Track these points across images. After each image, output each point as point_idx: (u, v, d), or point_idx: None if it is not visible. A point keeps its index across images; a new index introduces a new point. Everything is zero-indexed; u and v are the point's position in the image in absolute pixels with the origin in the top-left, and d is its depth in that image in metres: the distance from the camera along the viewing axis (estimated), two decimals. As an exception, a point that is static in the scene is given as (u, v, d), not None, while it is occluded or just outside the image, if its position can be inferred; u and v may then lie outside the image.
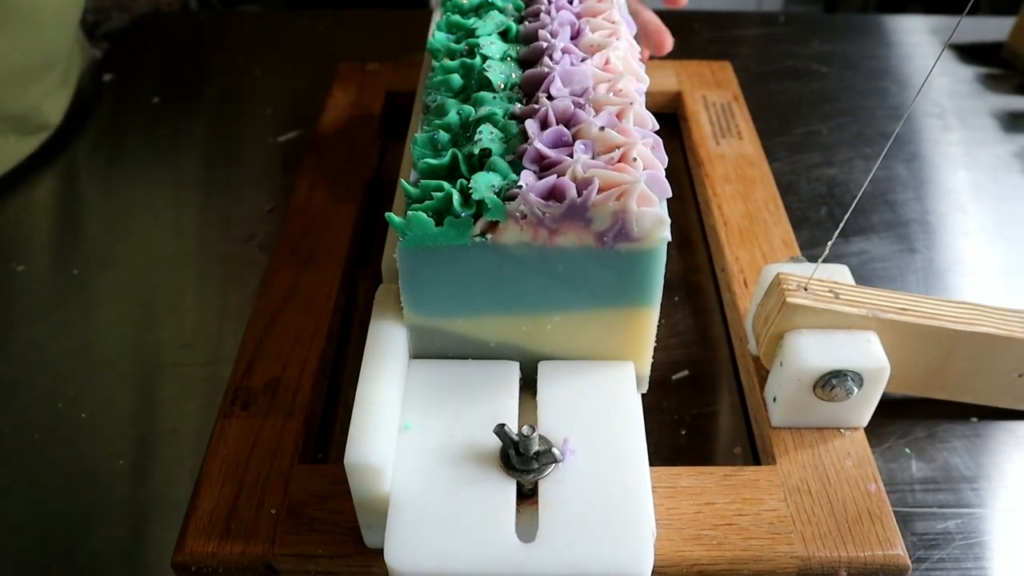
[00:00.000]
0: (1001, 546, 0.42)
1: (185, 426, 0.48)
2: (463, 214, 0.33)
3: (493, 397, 0.38)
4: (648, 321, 0.37)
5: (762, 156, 0.61)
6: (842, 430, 0.43)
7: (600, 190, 0.33)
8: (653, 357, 0.39)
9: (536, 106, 0.37)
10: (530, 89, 0.40)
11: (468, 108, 0.39)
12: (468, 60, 0.42)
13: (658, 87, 0.68)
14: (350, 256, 0.54)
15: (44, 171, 0.69)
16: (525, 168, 0.35)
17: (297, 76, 0.75)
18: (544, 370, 0.39)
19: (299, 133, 0.69)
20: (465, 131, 0.38)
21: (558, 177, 0.33)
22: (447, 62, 0.42)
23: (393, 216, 0.34)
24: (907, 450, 0.46)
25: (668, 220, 0.33)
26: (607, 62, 0.41)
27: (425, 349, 0.39)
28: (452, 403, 0.37)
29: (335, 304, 0.50)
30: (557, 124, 0.36)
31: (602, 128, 0.36)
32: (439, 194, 0.34)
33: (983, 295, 0.56)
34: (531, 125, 0.36)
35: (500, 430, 0.35)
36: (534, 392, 0.39)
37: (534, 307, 0.37)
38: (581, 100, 0.38)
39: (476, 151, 0.36)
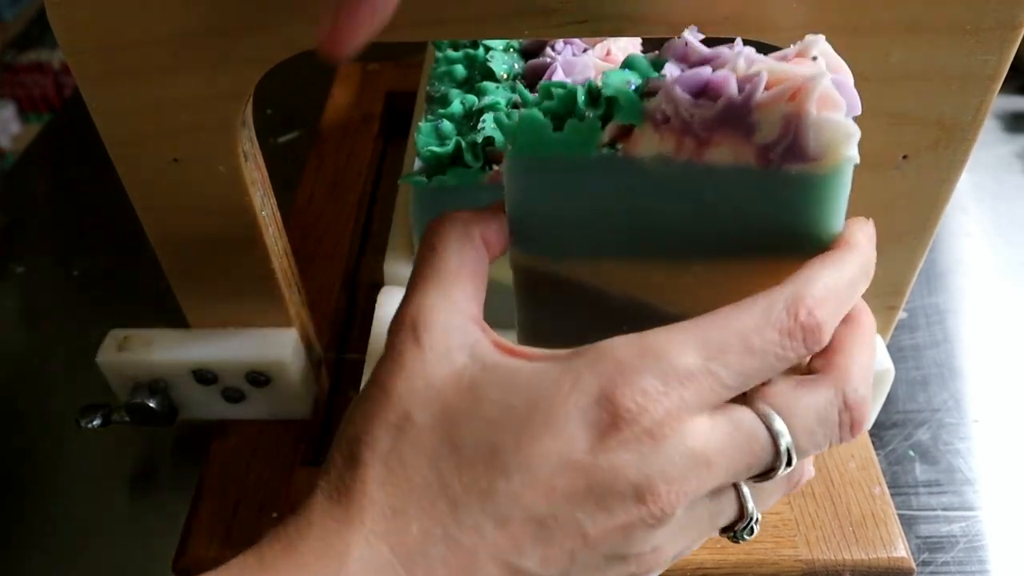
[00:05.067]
0: (1005, 549, 0.42)
1: (186, 428, 0.48)
2: (589, 114, 0.26)
3: None
4: None
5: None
6: (846, 432, 0.43)
7: (768, 87, 0.24)
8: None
9: None
10: (533, 79, 0.40)
11: (471, 98, 0.39)
12: (471, 51, 0.42)
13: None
14: (351, 258, 0.54)
15: (44, 171, 0.68)
16: (669, 62, 0.27)
17: (297, 76, 0.75)
18: None
19: (299, 133, 0.69)
20: (468, 120, 0.38)
21: (714, 70, 0.25)
22: (450, 52, 0.42)
23: (499, 116, 0.28)
24: (911, 453, 0.46)
25: (858, 133, 0.24)
26: (608, 53, 0.41)
27: (534, 306, 0.31)
28: None
29: (335, 305, 0.50)
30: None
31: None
32: (560, 91, 0.27)
33: (984, 295, 0.56)
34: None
35: None
36: None
37: (671, 249, 0.28)
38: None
39: (479, 140, 0.36)
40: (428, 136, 0.38)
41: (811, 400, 0.24)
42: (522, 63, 0.42)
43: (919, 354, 0.51)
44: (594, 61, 0.40)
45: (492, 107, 0.38)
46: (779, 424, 0.24)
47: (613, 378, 0.22)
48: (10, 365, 0.52)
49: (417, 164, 0.37)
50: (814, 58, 0.25)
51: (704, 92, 0.25)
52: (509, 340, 0.26)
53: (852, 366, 0.25)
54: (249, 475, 0.41)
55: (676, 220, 0.27)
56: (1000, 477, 0.45)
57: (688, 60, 0.26)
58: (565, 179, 0.27)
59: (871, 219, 0.27)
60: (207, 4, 0.29)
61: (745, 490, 0.25)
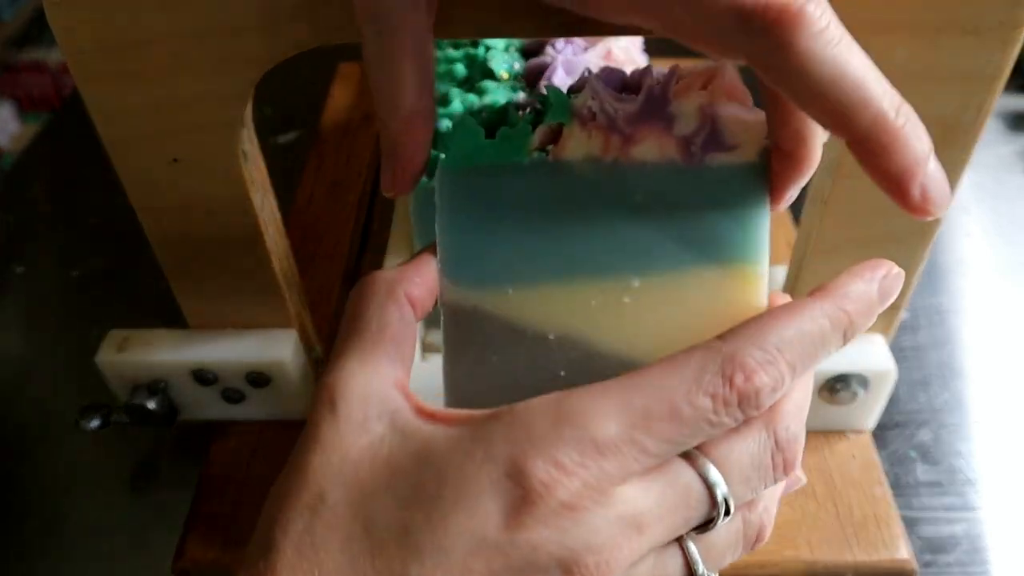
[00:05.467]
0: (1008, 549, 0.42)
1: (185, 428, 0.47)
2: (520, 121, 0.27)
3: None
4: (753, 291, 0.27)
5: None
6: (848, 433, 0.43)
7: (681, 79, 0.26)
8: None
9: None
10: (533, 78, 0.40)
11: (472, 97, 0.39)
12: (471, 50, 0.42)
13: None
14: (351, 257, 0.54)
15: (44, 171, 0.68)
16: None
17: (297, 76, 0.75)
18: None
19: (299, 133, 0.69)
20: None
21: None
22: (450, 52, 0.42)
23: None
24: (913, 453, 0.46)
25: (765, 122, 0.26)
26: (609, 52, 0.41)
27: (464, 355, 0.29)
28: None
29: (335, 305, 0.50)
30: None
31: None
32: (494, 104, 0.29)
33: (985, 296, 0.56)
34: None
35: None
36: None
37: (607, 264, 0.27)
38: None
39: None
40: (428, 136, 0.38)
41: (744, 446, 0.23)
42: (522, 62, 0.42)
43: (921, 354, 0.51)
44: (594, 60, 0.40)
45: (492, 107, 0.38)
46: (714, 474, 0.22)
47: (525, 448, 0.20)
48: (10, 365, 0.52)
49: None
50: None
51: (625, 87, 0.27)
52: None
53: (784, 404, 0.24)
54: (249, 475, 0.41)
55: (609, 230, 0.27)
56: (1002, 477, 0.45)
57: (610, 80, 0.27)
58: (497, 190, 0.27)
59: (887, 266, 0.26)
60: (207, 4, 0.29)
61: (691, 546, 0.23)
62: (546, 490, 0.20)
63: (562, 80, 0.39)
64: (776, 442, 0.23)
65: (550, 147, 0.27)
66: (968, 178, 0.65)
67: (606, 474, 0.20)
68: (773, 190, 0.26)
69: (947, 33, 0.29)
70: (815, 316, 0.23)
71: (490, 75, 0.40)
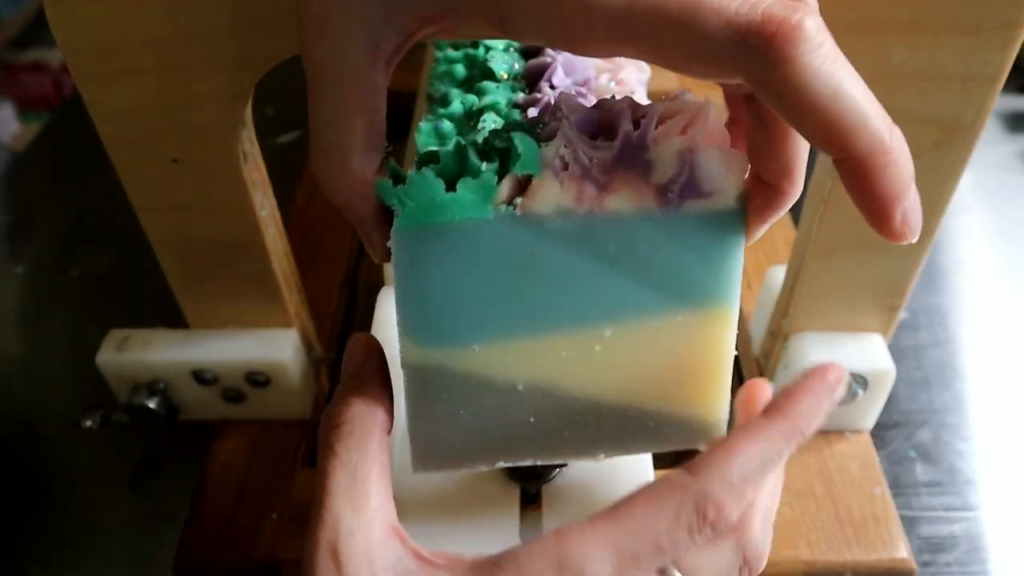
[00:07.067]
0: (1007, 549, 0.42)
1: (186, 428, 0.47)
2: (484, 169, 0.24)
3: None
4: (723, 333, 0.27)
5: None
6: (847, 433, 0.43)
7: (660, 121, 0.24)
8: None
9: (539, 95, 0.38)
10: (533, 79, 0.40)
11: (472, 97, 0.39)
12: (471, 50, 0.42)
13: (660, 87, 0.67)
14: (351, 258, 0.54)
15: (44, 171, 0.68)
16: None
17: (297, 76, 0.74)
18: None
19: (299, 133, 0.69)
20: (469, 120, 0.38)
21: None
22: (450, 52, 0.42)
23: (384, 183, 0.25)
24: (912, 453, 0.46)
25: (747, 165, 0.25)
26: None
27: (429, 415, 0.28)
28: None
29: (335, 305, 0.50)
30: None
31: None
32: (448, 147, 0.25)
33: (985, 296, 0.56)
34: (534, 114, 0.36)
35: None
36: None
37: (578, 316, 0.27)
38: (583, 89, 0.38)
39: (480, 140, 0.37)
40: (428, 136, 0.38)
41: (715, 559, 0.26)
42: (522, 63, 0.42)
43: (920, 354, 0.51)
44: (595, 61, 0.40)
45: (492, 107, 0.38)
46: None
47: None
48: (10, 365, 0.52)
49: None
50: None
51: (600, 127, 0.25)
52: None
53: (754, 518, 0.26)
54: (249, 475, 0.41)
55: (581, 282, 0.26)
56: (1001, 477, 0.45)
57: (576, 111, 0.25)
58: (460, 248, 0.25)
59: (833, 371, 0.27)
60: (207, 4, 0.29)
61: None
62: None
63: (562, 80, 0.39)
64: (744, 558, 0.26)
65: (517, 200, 0.25)
66: (968, 178, 0.65)
67: None
68: (750, 223, 0.26)
69: (947, 33, 0.29)
70: (772, 440, 0.25)
71: (490, 75, 0.40)
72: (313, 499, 0.25)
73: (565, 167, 0.24)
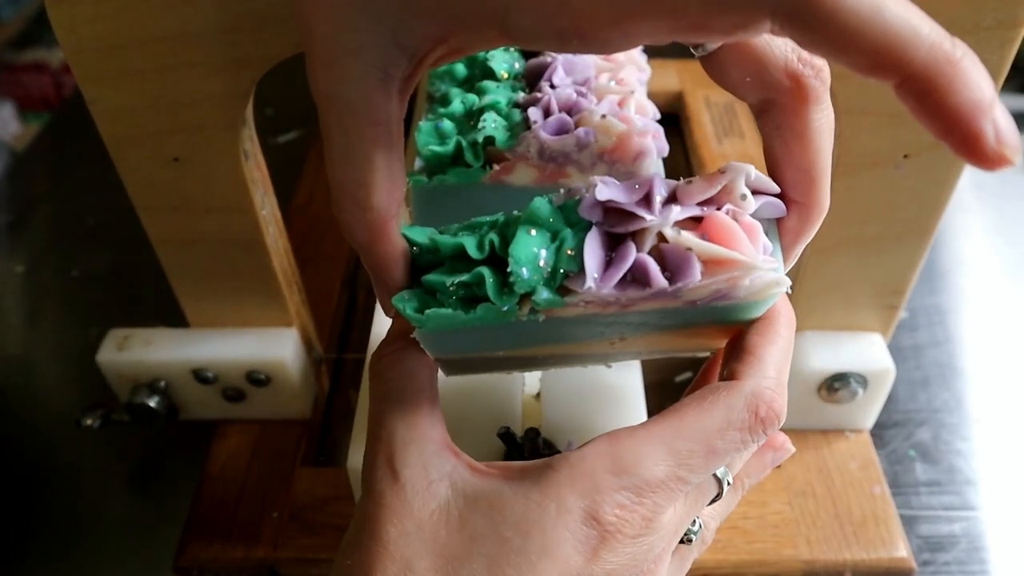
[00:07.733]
0: (1007, 549, 0.42)
1: (186, 428, 0.47)
2: (504, 306, 0.24)
3: (496, 401, 0.37)
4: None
5: (764, 156, 0.61)
6: (847, 432, 0.43)
7: (702, 262, 0.24)
8: (656, 360, 0.39)
9: (539, 95, 0.38)
10: (533, 78, 0.40)
11: (472, 97, 0.39)
12: None
13: (660, 87, 0.67)
14: (350, 257, 0.54)
15: (44, 171, 0.68)
16: (583, 223, 0.25)
17: (297, 76, 0.75)
18: (547, 373, 0.39)
19: (299, 133, 0.69)
20: (469, 119, 0.39)
21: (637, 250, 0.24)
22: None
23: (402, 298, 0.26)
24: (912, 452, 0.46)
25: (787, 282, 0.25)
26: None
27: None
28: (455, 406, 0.37)
29: (335, 305, 0.50)
30: (559, 112, 0.36)
31: (604, 116, 0.35)
32: (463, 276, 0.25)
33: (985, 296, 0.56)
34: (534, 113, 0.36)
35: (504, 433, 0.34)
36: (537, 395, 0.38)
37: (589, 345, 0.29)
38: (583, 89, 0.38)
39: (480, 139, 0.37)
40: (428, 135, 0.38)
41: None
42: (522, 62, 0.42)
43: (920, 354, 0.51)
44: (594, 60, 0.40)
45: (493, 106, 0.38)
46: (721, 470, 0.27)
47: (594, 498, 0.24)
48: (10, 365, 0.52)
49: (418, 163, 0.38)
50: (742, 196, 0.24)
51: (629, 275, 0.24)
52: None
53: (767, 366, 0.26)
54: (249, 475, 0.41)
55: (603, 328, 0.27)
56: (1001, 477, 0.45)
57: (607, 222, 0.24)
58: (481, 337, 0.27)
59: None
60: (208, 4, 0.29)
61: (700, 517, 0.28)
62: (616, 529, 0.24)
63: (562, 79, 0.39)
64: (756, 413, 0.26)
65: (541, 314, 0.25)
66: (968, 177, 0.66)
67: (658, 506, 0.24)
68: (785, 247, 0.26)
69: (946, 33, 0.29)
70: (782, 331, 0.27)
71: (490, 75, 0.40)
72: (368, 425, 0.26)
73: (589, 302, 0.24)
